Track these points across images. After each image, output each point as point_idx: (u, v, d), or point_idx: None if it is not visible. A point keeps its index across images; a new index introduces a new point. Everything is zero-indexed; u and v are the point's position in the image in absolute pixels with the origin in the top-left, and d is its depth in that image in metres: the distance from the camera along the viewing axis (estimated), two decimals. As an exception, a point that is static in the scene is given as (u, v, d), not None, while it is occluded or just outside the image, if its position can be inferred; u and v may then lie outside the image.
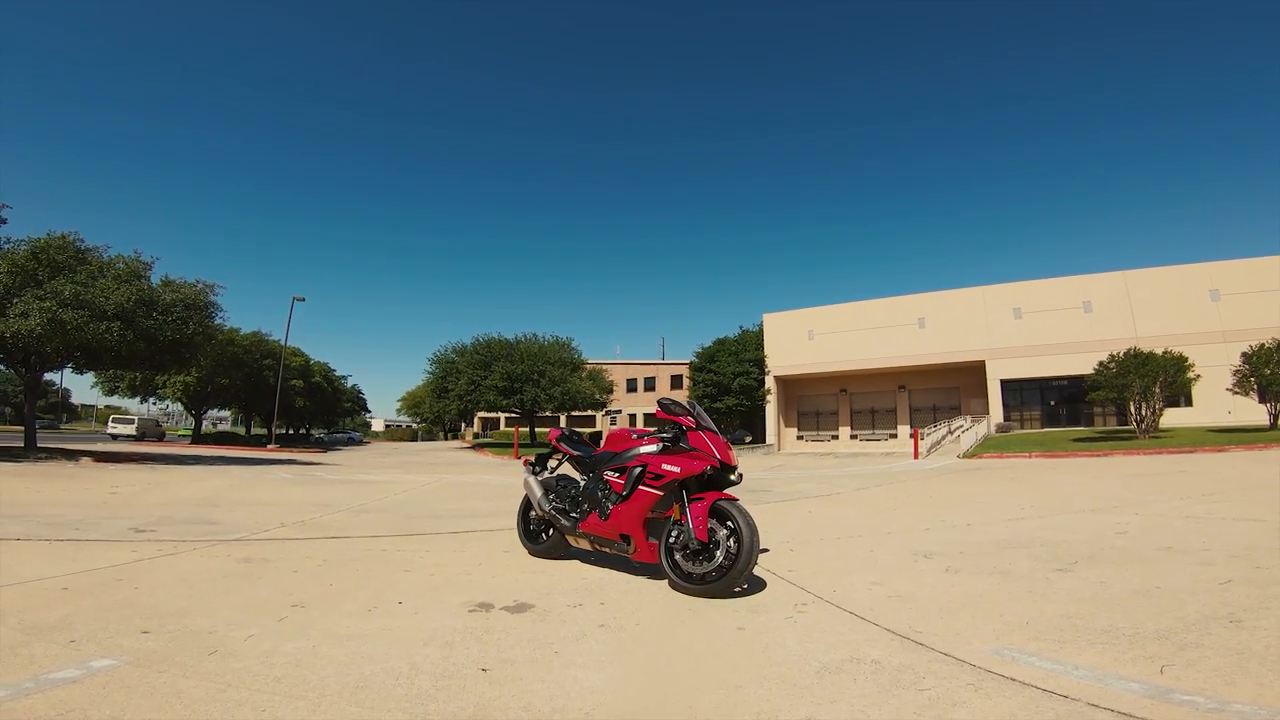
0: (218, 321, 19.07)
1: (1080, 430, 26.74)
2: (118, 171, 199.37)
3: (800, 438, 39.24)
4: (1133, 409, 20.65)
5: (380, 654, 2.56)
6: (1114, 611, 3.00)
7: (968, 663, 2.40)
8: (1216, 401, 23.92)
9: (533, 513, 4.79)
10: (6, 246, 15.49)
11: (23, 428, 18.07)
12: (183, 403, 39.11)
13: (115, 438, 35.79)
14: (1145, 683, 2.15)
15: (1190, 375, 20.51)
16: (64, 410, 77.66)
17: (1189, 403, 25.31)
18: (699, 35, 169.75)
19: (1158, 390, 20.02)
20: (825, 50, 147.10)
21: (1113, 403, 23.40)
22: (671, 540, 3.71)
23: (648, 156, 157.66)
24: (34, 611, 2.99)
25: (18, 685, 2.11)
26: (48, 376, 24.70)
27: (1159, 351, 20.50)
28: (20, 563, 4.06)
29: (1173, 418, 23.56)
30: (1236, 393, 20.57)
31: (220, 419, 78.63)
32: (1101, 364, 21.32)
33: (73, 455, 16.28)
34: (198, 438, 39.03)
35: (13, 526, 5.51)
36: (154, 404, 49.29)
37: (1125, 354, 20.78)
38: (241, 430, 54.19)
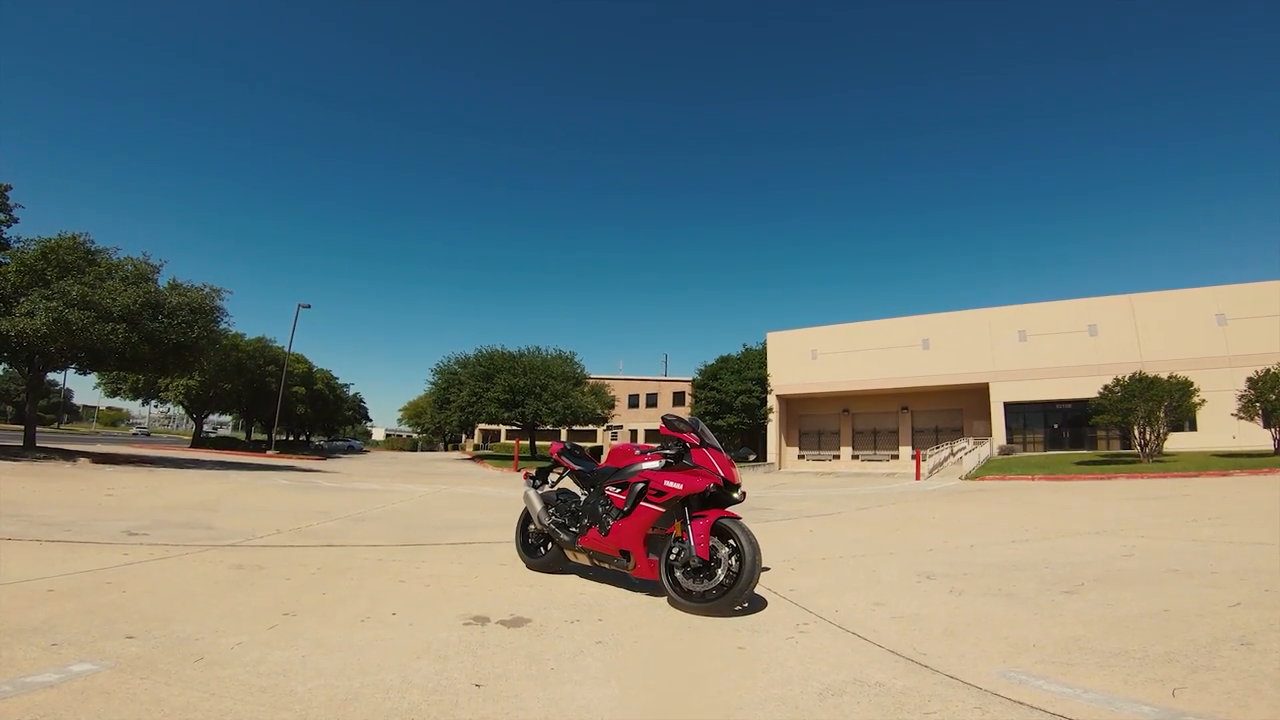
0: (222, 326, 19.14)
1: (1083, 453, 26.56)
2: (131, 170, 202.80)
3: (802, 457, 39.04)
4: (1136, 433, 20.51)
5: (371, 665, 2.49)
6: (1123, 634, 2.93)
7: (974, 685, 2.34)
8: (1221, 426, 23.72)
9: (532, 526, 4.72)
10: (17, 246, 15.61)
11: (23, 427, 18.07)
12: (184, 406, 39.11)
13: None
14: (1157, 706, 2.09)
15: (1195, 400, 20.37)
16: (65, 410, 77.96)
17: (1193, 427, 25.10)
18: (708, 48, 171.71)
19: (1162, 415, 19.89)
20: (834, 67, 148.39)
21: (1116, 426, 23.24)
22: (672, 557, 3.66)
23: (652, 168, 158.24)
24: (17, 613, 2.94)
25: (-6, 688, 2.06)
26: (50, 376, 24.71)
27: (1164, 376, 20.40)
28: (8, 563, 4.00)
29: (1176, 442, 23.36)
30: (1241, 418, 20.42)
31: (221, 423, 78.86)
32: (1106, 388, 21.22)
33: (71, 456, 16.25)
34: (198, 442, 38.97)
35: (4, 526, 5.46)
36: (155, 406, 50.23)
37: (1130, 378, 20.66)
38: (242, 435, 54.18)
